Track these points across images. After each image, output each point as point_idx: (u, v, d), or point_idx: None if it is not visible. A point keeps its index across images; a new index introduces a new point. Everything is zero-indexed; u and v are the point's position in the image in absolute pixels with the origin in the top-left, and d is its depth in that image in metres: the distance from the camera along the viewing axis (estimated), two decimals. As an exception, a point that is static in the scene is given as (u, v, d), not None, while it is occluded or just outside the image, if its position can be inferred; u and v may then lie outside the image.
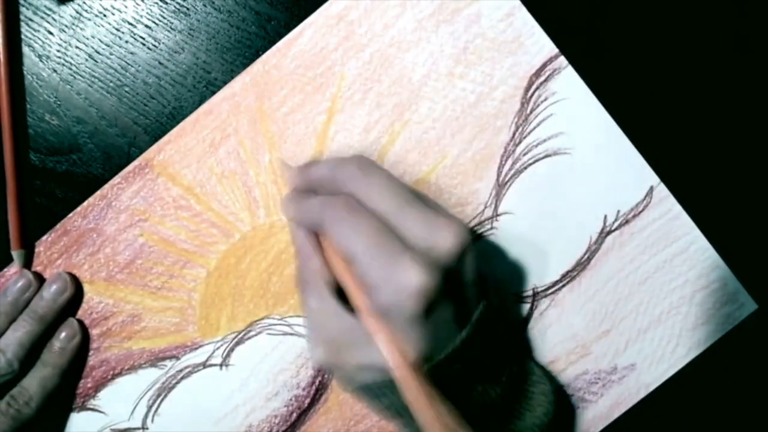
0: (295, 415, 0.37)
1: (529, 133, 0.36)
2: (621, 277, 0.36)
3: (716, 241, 0.36)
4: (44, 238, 0.37)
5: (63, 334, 0.36)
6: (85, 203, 0.36)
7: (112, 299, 0.37)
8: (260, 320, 0.37)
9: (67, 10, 0.37)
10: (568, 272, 0.36)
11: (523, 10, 0.36)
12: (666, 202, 0.36)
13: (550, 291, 0.36)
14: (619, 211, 0.36)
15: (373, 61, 0.36)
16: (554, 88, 0.36)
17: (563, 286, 0.36)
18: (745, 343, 0.37)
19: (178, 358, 0.37)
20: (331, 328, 0.28)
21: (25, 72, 0.37)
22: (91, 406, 0.37)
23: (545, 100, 0.36)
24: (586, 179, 0.36)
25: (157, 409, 0.37)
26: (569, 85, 0.36)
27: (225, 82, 0.36)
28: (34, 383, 0.35)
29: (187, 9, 0.37)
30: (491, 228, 0.36)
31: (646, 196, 0.36)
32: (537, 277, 0.36)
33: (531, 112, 0.36)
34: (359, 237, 0.26)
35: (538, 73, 0.36)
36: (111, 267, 0.37)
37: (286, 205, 0.31)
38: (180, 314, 0.37)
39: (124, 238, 0.37)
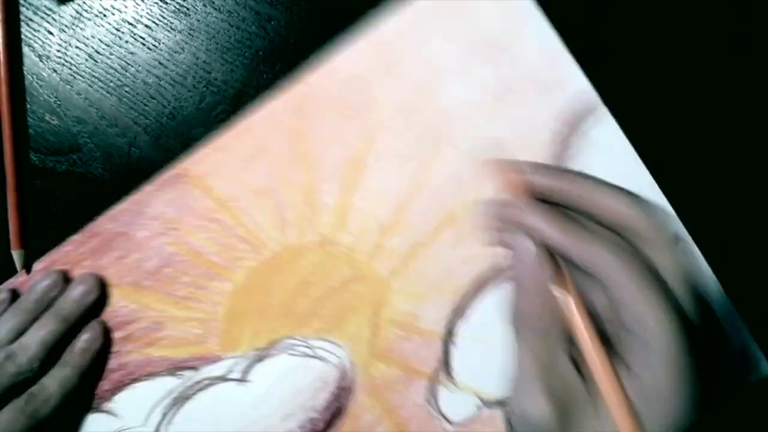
0: (308, 437, 0.37)
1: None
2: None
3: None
4: (74, 237, 0.37)
5: (86, 336, 0.36)
6: (118, 207, 0.36)
7: (137, 304, 0.37)
8: (282, 339, 0.37)
9: (67, 10, 0.37)
10: (595, 319, 0.36)
11: (565, 50, 0.35)
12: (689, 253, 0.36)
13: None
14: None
15: (415, 91, 0.36)
16: (594, 136, 0.36)
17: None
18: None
19: (197, 370, 0.37)
20: (562, 386, 0.25)
21: (25, 72, 0.37)
22: (106, 409, 0.37)
23: (584, 146, 0.36)
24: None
25: (171, 418, 0.37)
26: (608, 134, 0.35)
27: (225, 82, 0.36)
28: (54, 383, 0.35)
29: (187, 9, 0.37)
30: (522, 268, 0.36)
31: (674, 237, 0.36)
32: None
33: (569, 158, 0.36)
34: (660, 326, 0.24)
35: (577, 119, 0.35)
36: (138, 273, 0.37)
37: (529, 219, 0.26)
38: (203, 326, 0.37)
39: (154, 246, 0.36)
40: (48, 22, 0.37)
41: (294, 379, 0.37)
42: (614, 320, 0.26)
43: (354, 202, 0.36)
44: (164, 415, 0.37)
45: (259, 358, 0.37)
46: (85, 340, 0.36)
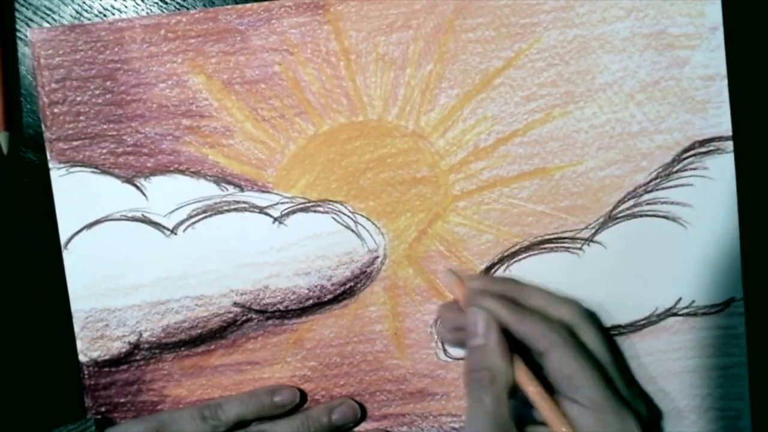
0: (310, 302, 0.37)
1: (663, 188, 0.36)
2: (662, 358, 0.37)
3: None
4: (191, 11, 0.36)
5: (279, 399, 0.36)
6: (247, 5, 0.36)
7: (219, 103, 0.36)
8: (334, 202, 0.37)
9: (67, 10, 0.36)
10: (618, 326, 0.37)
11: (725, 81, 0.36)
12: (735, 319, 0.36)
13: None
14: (693, 302, 0.36)
15: (573, 43, 0.36)
16: (708, 164, 0.36)
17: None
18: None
19: (242, 190, 0.36)
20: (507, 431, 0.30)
21: (25, 72, 0.37)
22: (138, 184, 0.36)
23: (695, 169, 0.36)
24: (683, 258, 0.36)
25: (195, 223, 0.37)
26: (722, 170, 0.36)
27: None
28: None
29: (187, 9, 0.36)
30: (579, 248, 0.36)
31: (722, 304, 0.37)
32: (589, 314, 0.37)
33: (677, 171, 0.36)
34: (586, 376, 0.30)
35: (703, 143, 0.36)
36: (235, 75, 0.36)
37: (479, 301, 0.32)
38: (269, 153, 0.36)
39: (263, 58, 0.36)
40: (48, 23, 0.36)
41: (326, 243, 0.37)
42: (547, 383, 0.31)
43: (465, 113, 0.36)
44: (189, 217, 0.37)
45: (304, 208, 0.37)
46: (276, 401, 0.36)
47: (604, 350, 0.32)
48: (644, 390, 0.36)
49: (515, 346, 0.32)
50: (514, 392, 0.31)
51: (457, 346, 0.36)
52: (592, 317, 0.34)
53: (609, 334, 0.35)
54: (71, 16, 0.37)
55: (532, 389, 0.31)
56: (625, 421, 0.30)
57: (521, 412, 0.32)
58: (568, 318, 0.32)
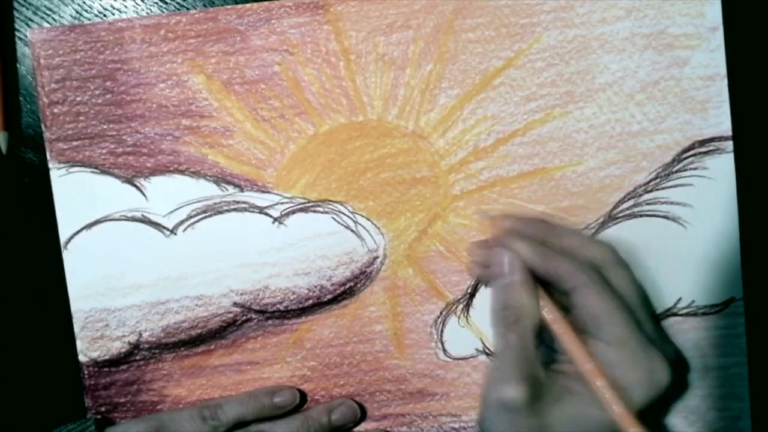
0: (310, 302, 0.37)
1: (663, 188, 0.36)
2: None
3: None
4: (191, 11, 0.36)
5: (279, 399, 0.36)
6: (247, 5, 0.36)
7: (218, 103, 0.36)
8: (334, 202, 0.37)
9: (67, 10, 0.36)
10: (618, 326, 0.36)
11: (725, 81, 0.36)
12: (735, 319, 0.36)
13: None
14: (693, 302, 0.36)
15: (573, 43, 0.36)
16: (708, 164, 0.36)
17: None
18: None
19: (242, 190, 0.36)
20: (533, 371, 0.30)
21: (24, 72, 0.37)
22: (137, 184, 0.37)
23: (695, 169, 0.36)
24: (684, 258, 0.36)
25: (195, 223, 0.37)
26: (722, 170, 0.36)
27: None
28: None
29: (187, 9, 0.36)
30: (579, 248, 0.36)
31: (722, 304, 0.36)
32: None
33: (677, 171, 0.36)
34: (613, 314, 0.30)
35: (703, 143, 0.36)
36: (235, 75, 0.36)
37: (508, 241, 0.32)
38: (269, 153, 0.36)
39: (263, 58, 0.36)
40: (48, 23, 0.36)
41: (326, 243, 0.37)
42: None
43: (464, 113, 0.36)
44: (189, 217, 0.37)
45: (304, 208, 0.37)
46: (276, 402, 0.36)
47: (633, 292, 0.32)
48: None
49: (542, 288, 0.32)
50: (540, 332, 0.31)
51: (488, 282, 0.35)
52: (622, 261, 0.33)
53: (639, 278, 0.34)
54: (71, 16, 0.37)
55: (558, 327, 0.30)
56: (652, 359, 0.30)
57: (546, 354, 0.32)
58: (598, 259, 0.32)
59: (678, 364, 0.35)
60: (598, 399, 0.29)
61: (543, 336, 0.31)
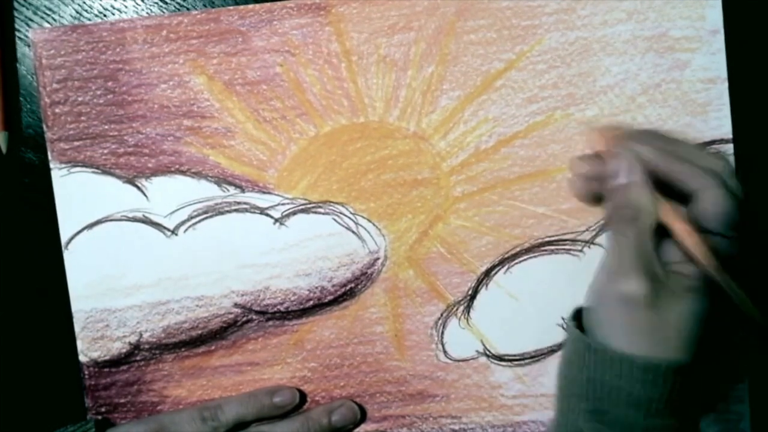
0: (311, 303, 0.37)
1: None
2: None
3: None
4: (193, 12, 0.36)
5: (278, 399, 0.36)
6: (249, 6, 0.36)
7: (220, 104, 0.36)
8: (335, 203, 0.37)
9: (67, 10, 0.37)
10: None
11: (726, 84, 0.36)
12: (737, 322, 0.37)
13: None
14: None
15: (574, 45, 0.36)
16: (709, 167, 0.36)
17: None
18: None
19: (243, 191, 0.36)
20: (652, 268, 0.29)
21: (24, 72, 0.37)
22: (139, 184, 0.36)
23: (695, 171, 0.36)
24: (684, 260, 0.36)
25: (196, 224, 0.37)
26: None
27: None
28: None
29: (187, 9, 0.36)
30: (580, 250, 0.36)
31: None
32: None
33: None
34: (735, 214, 0.30)
35: (704, 145, 0.36)
36: (237, 76, 0.36)
37: (630, 143, 0.31)
38: (270, 154, 0.36)
39: (265, 59, 0.36)
40: (48, 23, 0.36)
41: (327, 244, 0.37)
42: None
43: (466, 115, 0.36)
44: (190, 218, 0.37)
45: (305, 209, 0.37)
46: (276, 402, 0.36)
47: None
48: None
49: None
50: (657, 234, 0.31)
51: (589, 197, 0.34)
52: (735, 174, 0.32)
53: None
54: (71, 16, 0.37)
55: (678, 225, 0.30)
56: None
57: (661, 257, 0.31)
58: (714, 168, 0.31)
59: None
60: (716, 293, 0.29)
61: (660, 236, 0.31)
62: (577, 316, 0.32)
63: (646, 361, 0.28)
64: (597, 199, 0.34)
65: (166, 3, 0.37)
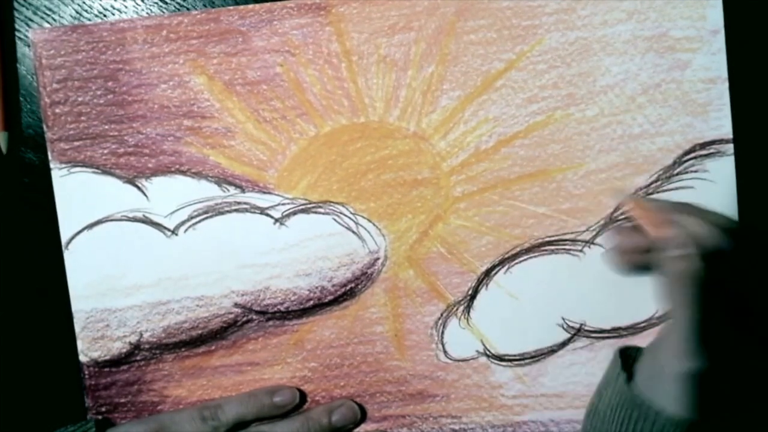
0: (311, 303, 0.37)
1: (663, 191, 0.36)
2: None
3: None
4: (193, 12, 0.36)
5: (279, 399, 0.36)
6: (249, 6, 0.36)
7: (220, 104, 0.36)
8: (335, 203, 0.37)
9: (67, 10, 0.37)
10: (618, 328, 0.37)
11: (726, 84, 0.36)
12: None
13: (593, 335, 0.37)
14: (693, 304, 0.36)
15: (574, 45, 0.36)
16: (709, 167, 0.36)
17: (606, 338, 0.37)
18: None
19: (243, 191, 0.36)
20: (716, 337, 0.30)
21: (24, 72, 0.37)
22: (139, 184, 0.36)
23: (695, 171, 0.36)
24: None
25: (196, 224, 0.37)
26: (723, 172, 0.36)
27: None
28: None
29: (187, 9, 0.36)
30: (580, 250, 0.36)
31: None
32: (588, 316, 0.37)
33: (677, 173, 0.36)
34: None
35: (704, 145, 0.36)
36: (237, 76, 0.36)
37: (677, 217, 0.32)
38: (270, 154, 0.36)
39: (265, 59, 0.36)
40: (48, 23, 0.36)
41: (327, 244, 0.37)
42: None
43: (466, 115, 0.36)
44: (190, 218, 0.37)
45: (305, 209, 0.37)
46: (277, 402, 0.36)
47: None
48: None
49: None
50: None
51: (631, 268, 0.35)
52: None
53: None
54: (71, 16, 0.37)
55: (641, 214, 0.33)
56: None
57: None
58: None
59: None
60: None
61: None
62: (622, 354, 0.34)
63: (684, 419, 0.30)
64: (633, 269, 0.35)
65: (166, 3, 0.37)
